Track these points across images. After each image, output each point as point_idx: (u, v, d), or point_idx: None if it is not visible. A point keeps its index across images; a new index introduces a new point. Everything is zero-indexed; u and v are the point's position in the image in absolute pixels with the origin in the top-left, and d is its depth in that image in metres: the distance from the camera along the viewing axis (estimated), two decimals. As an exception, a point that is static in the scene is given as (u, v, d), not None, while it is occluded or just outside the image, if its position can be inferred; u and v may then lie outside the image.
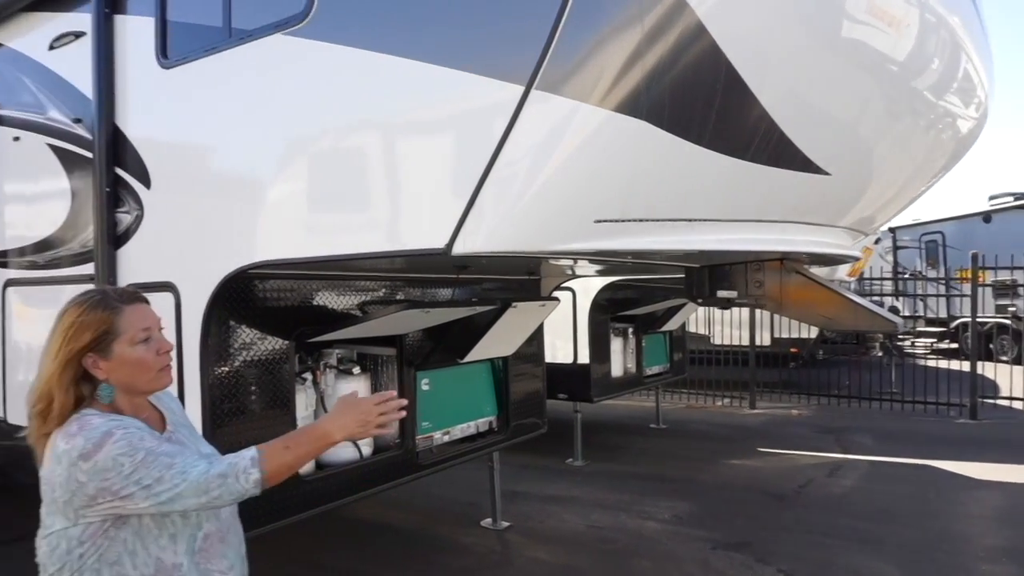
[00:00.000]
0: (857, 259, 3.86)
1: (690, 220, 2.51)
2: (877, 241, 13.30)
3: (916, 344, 13.98)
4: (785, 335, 10.72)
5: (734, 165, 2.44)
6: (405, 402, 1.67)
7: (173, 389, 3.19)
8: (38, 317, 4.15)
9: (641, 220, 2.39)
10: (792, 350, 10.87)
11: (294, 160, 2.93)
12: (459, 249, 2.38)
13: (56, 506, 1.51)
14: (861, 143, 2.88)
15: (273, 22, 2.90)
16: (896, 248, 16.53)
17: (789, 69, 2.40)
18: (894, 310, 13.48)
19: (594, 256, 2.88)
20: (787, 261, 3.26)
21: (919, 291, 15.42)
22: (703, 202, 2.54)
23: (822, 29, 2.46)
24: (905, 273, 16.11)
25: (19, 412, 4.09)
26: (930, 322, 15.31)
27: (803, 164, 2.62)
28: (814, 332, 10.58)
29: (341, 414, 1.62)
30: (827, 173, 2.73)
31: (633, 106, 2.23)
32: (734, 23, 2.24)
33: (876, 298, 12.42)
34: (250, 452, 1.54)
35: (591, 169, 2.27)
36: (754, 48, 2.32)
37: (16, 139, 4.12)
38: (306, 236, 2.86)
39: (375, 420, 1.62)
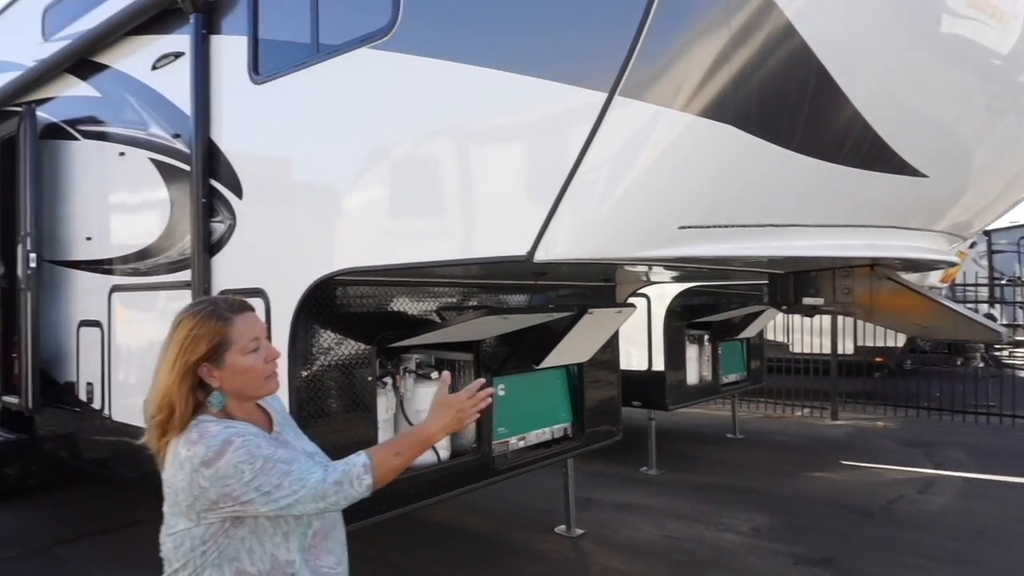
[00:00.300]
0: (955, 264, 3.66)
1: (777, 226, 2.44)
2: (972, 245, 12.58)
3: (1014, 354, 13.11)
4: (869, 343, 10.25)
5: (825, 169, 2.37)
6: (492, 390, 1.75)
7: (264, 390, 3.35)
8: (139, 321, 4.40)
9: (726, 226, 2.35)
10: (877, 359, 10.39)
11: (378, 170, 3.01)
12: (541, 256, 2.39)
13: (179, 508, 1.59)
14: (962, 143, 2.74)
15: (359, 36, 3.00)
16: (991, 252, 15.57)
17: (884, 68, 2.31)
18: (990, 318, 12.70)
19: (678, 263, 2.84)
20: (878, 267, 3.13)
21: (1017, 298, 14.46)
22: (791, 207, 2.46)
23: (920, 25, 2.35)
24: (1002, 279, 15.15)
25: (122, 410, 4.36)
26: (1030, 331, 14.34)
27: (899, 167, 2.51)
28: (901, 340, 10.08)
29: (440, 415, 1.70)
30: (924, 175, 2.60)
31: (719, 110, 2.19)
32: (825, 22, 2.17)
33: (971, 305, 11.73)
34: (361, 458, 1.61)
35: (675, 175, 2.24)
36: (846, 48, 2.24)
37: (121, 154, 4.40)
38: (389, 243, 2.94)
39: (470, 413, 1.71)
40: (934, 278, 10.03)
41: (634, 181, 2.26)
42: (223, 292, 3.64)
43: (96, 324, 4.57)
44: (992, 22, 2.53)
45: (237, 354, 1.65)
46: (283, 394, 3.23)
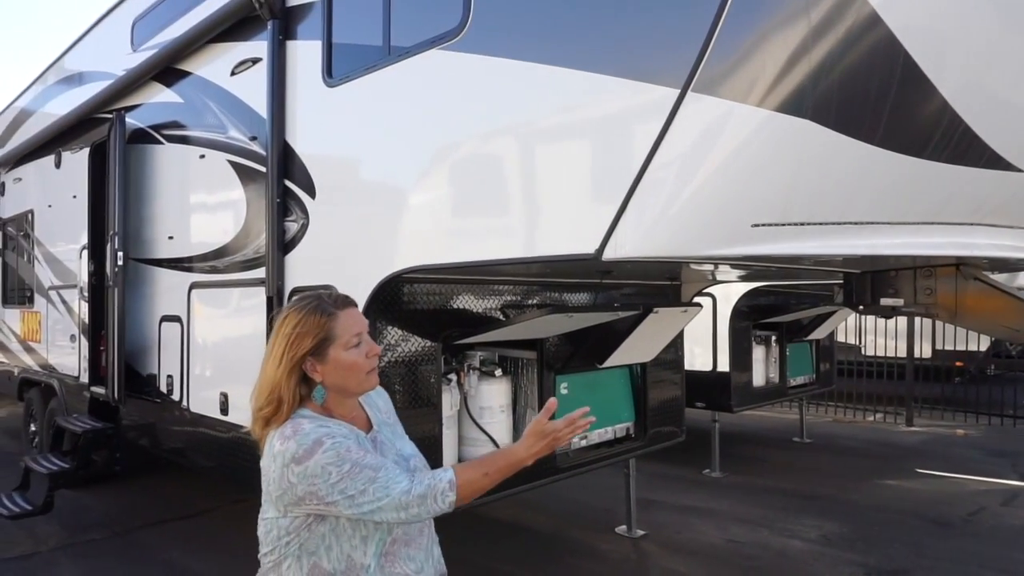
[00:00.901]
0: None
1: (856, 223, 2.35)
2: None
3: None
4: (949, 347, 9.79)
5: (909, 164, 2.27)
6: (587, 409, 1.71)
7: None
8: (216, 317, 4.59)
9: (802, 224, 2.28)
10: (957, 363, 9.91)
11: (445, 169, 3.05)
12: (609, 255, 2.38)
13: (270, 497, 1.65)
14: (1058, 136, 2.58)
15: (429, 38, 3.04)
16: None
17: (976, 57, 2.20)
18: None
19: (750, 261, 2.78)
20: (964, 267, 2.98)
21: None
22: (871, 204, 2.38)
23: (1015, 10, 2.23)
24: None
25: (199, 402, 4.56)
26: None
27: (991, 160, 2.39)
28: (984, 344, 9.59)
29: (534, 442, 1.65)
30: (1019, 170, 2.47)
31: (796, 105, 2.13)
32: (914, 12, 2.09)
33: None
34: (448, 475, 1.61)
35: (749, 172, 2.19)
36: (936, 37, 2.15)
37: (201, 157, 4.59)
38: (455, 242, 2.97)
39: (566, 439, 1.68)
40: (1023, 279, 9.50)
41: (706, 178, 2.22)
42: (295, 290, 3.76)
43: (176, 319, 4.79)
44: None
45: (340, 349, 1.66)
46: (354, 389, 3.33)
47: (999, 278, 4.96)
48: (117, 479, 6.27)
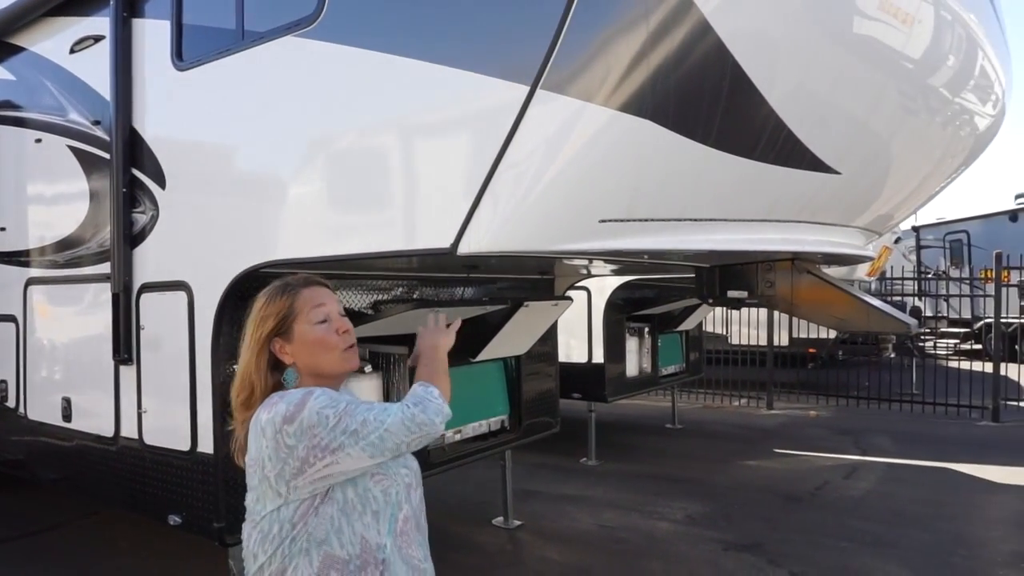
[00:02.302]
0: (870, 259, 3.81)
1: (696, 220, 2.49)
2: (897, 240, 13.12)
3: (939, 345, 13.76)
4: (803, 335, 10.60)
5: (741, 164, 2.43)
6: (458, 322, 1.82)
7: (184, 389, 3.26)
8: (57, 315, 4.23)
9: (646, 220, 2.39)
10: (810, 350, 10.75)
11: (303, 160, 2.96)
12: (464, 249, 2.39)
13: (267, 484, 1.52)
14: (873, 142, 2.85)
15: (284, 24, 2.93)
16: (919, 247, 16.28)
17: (797, 68, 2.38)
18: (916, 310, 13.26)
19: (599, 256, 2.87)
20: (798, 261, 3.23)
21: (942, 291, 15.17)
22: (709, 202, 2.52)
23: (832, 27, 2.43)
24: (928, 273, 15.85)
25: (39, 408, 4.19)
26: (953, 323, 15.06)
27: (812, 163, 2.60)
28: (833, 332, 10.46)
29: (431, 335, 1.74)
30: (837, 172, 2.70)
31: (638, 106, 2.22)
32: (741, 22, 2.23)
33: (898, 298, 12.24)
34: (430, 388, 1.60)
35: (595, 169, 2.27)
36: (761, 47, 2.30)
37: (38, 141, 4.20)
38: (315, 236, 2.89)
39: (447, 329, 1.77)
40: (861, 271, 10.43)
41: (556, 175, 2.27)
42: (144, 286, 3.53)
43: (11, 319, 4.37)
44: (901, 26, 2.63)
45: (303, 323, 1.62)
46: (207, 391, 3.17)
47: (840, 272, 5.41)
48: (-54, 497, 5.66)
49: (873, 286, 12.63)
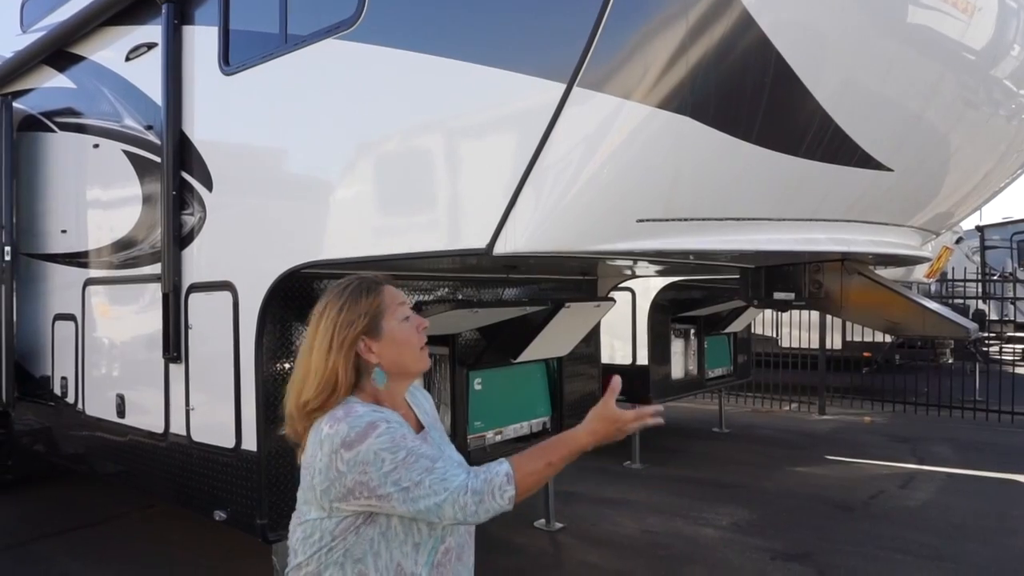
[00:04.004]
0: (925, 260, 3.64)
1: (739, 219, 2.42)
2: (959, 240, 12.57)
3: (1004, 350, 13.13)
4: (858, 338, 10.26)
5: (785, 162, 2.35)
6: (662, 408, 1.56)
7: (229, 387, 3.33)
8: (112, 315, 4.37)
9: (686, 219, 2.33)
10: (865, 354, 10.40)
11: (343, 161, 2.99)
12: (500, 249, 2.38)
13: (313, 494, 1.50)
14: (928, 137, 2.72)
15: (325, 27, 2.97)
16: (984, 248, 15.58)
17: (846, 61, 2.29)
18: (980, 314, 12.69)
19: (637, 256, 2.82)
20: (848, 262, 3.11)
21: (1008, 294, 14.47)
22: (752, 201, 2.45)
23: (884, 18, 2.33)
24: (994, 275, 15.16)
25: (96, 404, 4.35)
26: (1020, 327, 14.36)
27: (862, 160, 2.49)
28: (890, 336, 10.09)
29: (597, 427, 1.53)
30: (889, 169, 2.59)
31: (677, 102, 2.17)
32: (785, 14, 2.15)
33: (960, 301, 11.73)
34: (503, 467, 1.46)
35: (633, 167, 2.22)
36: (807, 40, 2.22)
37: (96, 146, 4.36)
38: (353, 237, 2.92)
39: (629, 430, 1.56)
40: (919, 273, 10.04)
41: (592, 174, 2.24)
42: (193, 286, 3.62)
43: (71, 318, 4.55)
44: (960, 15, 2.51)
45: (391, 320, 1.58)
46: (250, 389, 3.23)
47: (895, 273, 5.20)
48: (12, 488, 5.92)
49: (933, 288, 12.14)
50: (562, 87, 2.23)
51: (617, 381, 1.58)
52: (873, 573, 4.34)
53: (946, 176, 2.93)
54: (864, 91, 2.35)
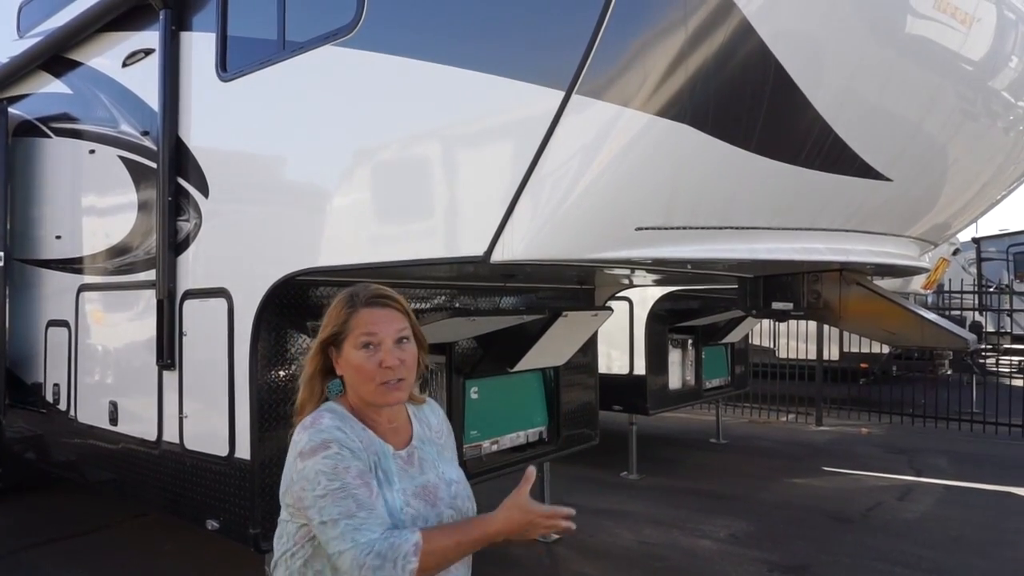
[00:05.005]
0: (924, 270, 3.64)
1: (737, 228, 2.41)
2: (956, 252, 12.60)
3: (1001, 362, 13.12)
4: (855, 349, 10.25)
5: (784, 171, 2.34)
6: (572, 512, 1.51)
7: (223, 394, 3.29)
8: (106, 321, 4.34)
9: (685, 228, 2.32)
10: (862, 365, 10.38)
11: (341, 167, 2.97)
12: (497, 257, 2.36)
13: (281, 491, 1.52)
14: (927, 147, 2.71)
15: (323, 33, 2.96)
16: (980, 259, 15.62)
17: (845, 70, 2.28)
18: (977, 325, 12.70)
19: (636, 264, 2.81)
20: (847, 272, 3.10)
21: (1005, 306, 14.51)
22: (751, 209, 2.43)
23: (883, 28, 2.33)
24: (990, 286, 15.19)
25: (89, 412, 4.30)
26: (1017, 339, 14.37)
27: (861, 170, 2.48)
28: (887, 347, 10.08)
29: (511, 517, 1.47)
30: (888, 179, 2.58)
31: (676, 110, 2.16)
32: (784, 23, 2.15)
33: (956, 313, 11.74)
34: (414, 537, 1.41)
35: (631, 175, 2.21)
36: (807, 49, 2.22)
37: (91, 152, 4.35)
38: (349, 243, 2.90)
39: (541, 530, 1.51)
40: (917, 284, 10.04)
41: (590, 182, 2.22)
42: (188, 293, 3.60)
43: (64, 324, 4.51)
44: (959, 25, 2.51)
45: (349, 346, 1.54)
46: (243, 396, 3.20)
47: (894, 284, 5.19)
48: (3, 496, 5.85)
49: (930, 300, 12.15)
50: (561, 94, 2.22)
51: (532, 472, 1.53)
52: (871, 586, 4.31)
53: (945, 186, 2.93)
54: (863, 100, 2.35)
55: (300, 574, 1.50)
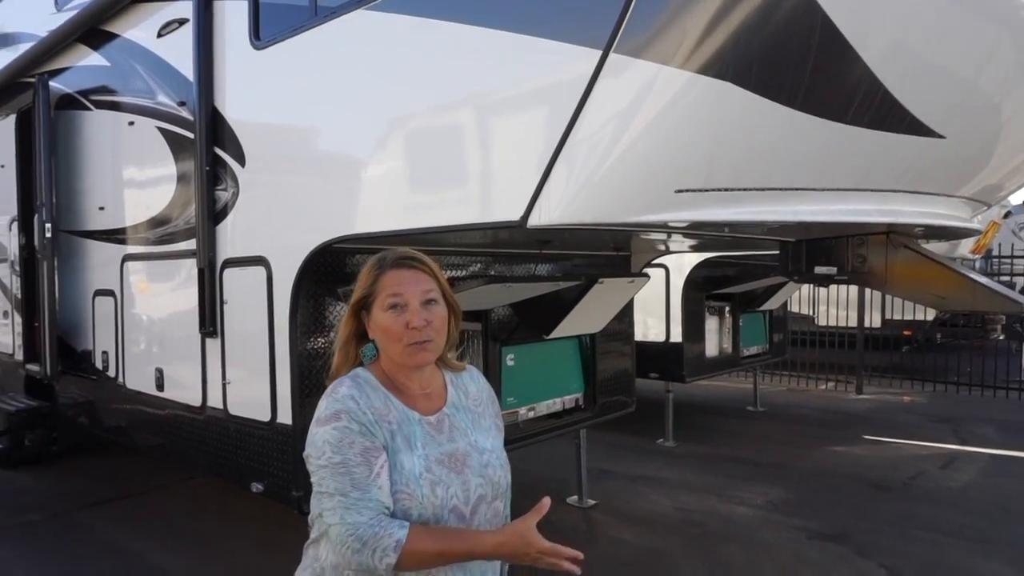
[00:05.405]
0: (976, 232, 3.50)
1: (781, 189, 2.33)
2: (1007, 215, 12.13)
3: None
4: (897, 316, 10.00)
5: (831, 128, 2.25)
6: (579, 555, 1.44)
7: (264, 361, 3.35)
8: (150, 290, 4.44)
9: (726, 189, 2.25)
10: (905, 332, 10.14)
11: (375, 134, 2.95)
12: (535, 221, 2.33)
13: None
14: (983, 103, 2.58)
15: (355, -2, 2.92)
16: (1031, 223, 15.04)
17: (897, 22, 2.17)
18: (1026, 291, 12.27)
19: (676, 228, 2.75)
20: (893, 234, 2.99)
21: (1057, 271, 13.97)
22: (796, 169, 2.35)
23: (937, -25, 2.21)
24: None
25: (135, 377, 4.43)
26: (1069, 305, 13.85)
27: (912, 127, 2.38)
28: (931, 314, 9.82)
29: (509, 541, 1.43)
30: (941, 136, 2.47)
31: (718, 67, 2.08)
32: (833, -28, 2.04)
33: (1006, 278, 11.34)
34: (401, 532, 1.39)
35: (671, 136, 2.15)
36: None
37: (131, 123, 4.40)
38: (387, 210, 2.89)
39: (539, 564, 1.44)
40: (965, 248, 9.72)
41: (629, 143, 2.17)
42: (227, 261, 3.65)
43: (110, 293, 4.63)
44: (1021, -30, 2.37)
45: (377, 308, 1.54)
46: (284, 363, 3.25)
47: (940, 248, 5.03)
48: (57, 459, 6.11)
49: (977, 264, 11.76)
50: (598, 53, 2.16)
51: (546, 503, 1.47)
52: (914, 555, 4.25)
53: (999, 144, 2.79)
54: (916, 53, 2.24)
55: (328, 536, 1.49)
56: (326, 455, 1.43)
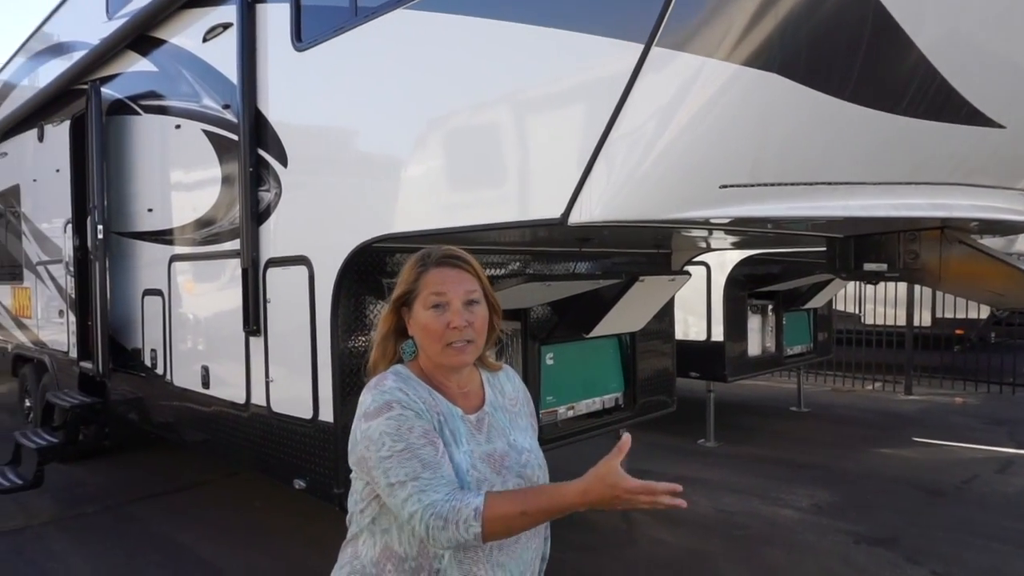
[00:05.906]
0: (1038, 226, 3.35)
1: (830, 183, 2.26)
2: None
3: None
4: (949, 315, 9.68)
5: (884, 120, 2.17)
6: (678, 488, 1.31)
7: (306, 359, 3.39)
8: (196, 290, 4.53)
9: (773, 184, 2.19)
10: (957, 332, 9.81)
11: (415, 133, 2.96)
12: (575, 218, 2.30)
13: (348, 450, 1.52)
14: (1045, 90, 2.47)
15: (395, -2, 2.93)
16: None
17: (953, 6, 2.09)
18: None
19: (720, 225, 2.69)
20: (948, 229, 2.89)
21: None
22: (846, 163, 2.28)
23: (996, -43, 2.11)
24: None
25: (183, 375, 4.53)
26: None
27: (969, 116, 2.28)
28: (985, 312, 9.47)
29: (593, 488, 1.33)
30: (1001, 126, 2.36)
31: (764, 59, 2.03)
32: (886, -43, 1.97)
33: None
34: (477, 500, 1.35)
35: (715, 130, 2.10)
36: (910, -16, 2.03)
37: (177, 127, 4.51)
38: (426, 209, 2.90)
39: (629, 501, 1.33)
40: (1021, 244, 9.34)
41: (672, 138, 2.13)
42: (270, 261, 3.70)
43: (158, 293, 4.75)
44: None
45: (419, 305, 1.53)
46: (326, 362, 3.28)
47: (996, 243, 4.85)
48: (109, 453, 6.30)
49: (1034, 261, 11.31)
50: (640, 47, 2.12)
51: (627, 440, 1.37)
52: (969, 561, 4.10)
53: (1064, 133, 2.66)
54: (973, 39, 2.14)
55: (369, 531, 1.51)
56: (387, 445, 1.40)
